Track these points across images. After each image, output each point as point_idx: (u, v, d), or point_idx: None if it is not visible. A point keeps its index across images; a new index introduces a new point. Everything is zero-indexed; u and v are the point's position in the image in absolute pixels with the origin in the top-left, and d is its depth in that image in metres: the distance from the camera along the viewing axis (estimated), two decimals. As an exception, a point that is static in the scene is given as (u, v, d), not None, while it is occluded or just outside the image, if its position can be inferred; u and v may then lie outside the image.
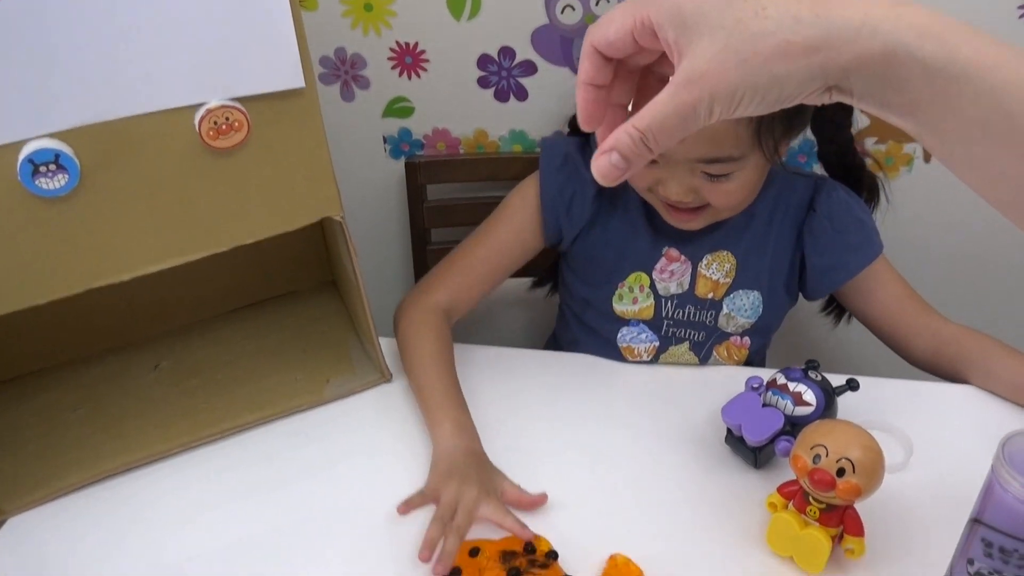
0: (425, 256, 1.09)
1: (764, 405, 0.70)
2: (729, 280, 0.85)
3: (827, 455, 0.60)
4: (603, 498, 0.71)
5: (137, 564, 0.68)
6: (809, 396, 0.69)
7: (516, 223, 0.88)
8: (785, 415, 0.69)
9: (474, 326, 1.19)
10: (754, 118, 0.71)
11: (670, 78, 0.38)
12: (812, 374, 0.70)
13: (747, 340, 0.88)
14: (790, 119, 0.76)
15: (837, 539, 0.63)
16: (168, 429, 0.79)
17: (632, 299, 0.87)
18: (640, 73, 0.44)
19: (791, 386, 0.70)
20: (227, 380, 0.85)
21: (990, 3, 0.90)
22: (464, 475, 0.69)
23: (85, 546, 0.69)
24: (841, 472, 0.59)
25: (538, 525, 0.67)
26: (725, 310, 0.86)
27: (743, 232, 0.85)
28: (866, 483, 0.60)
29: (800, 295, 0.92)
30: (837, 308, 0.94)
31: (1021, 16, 0.90)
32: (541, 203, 0.87)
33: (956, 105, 0.35)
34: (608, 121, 0.43)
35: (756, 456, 0.70)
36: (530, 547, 0.65)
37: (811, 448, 0.61)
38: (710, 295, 0.86)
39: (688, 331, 0.88)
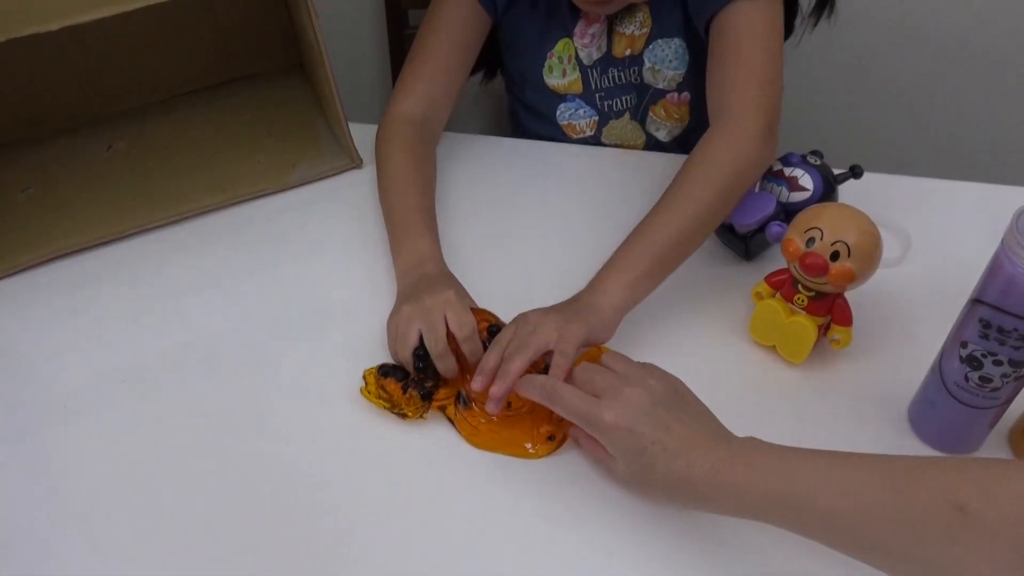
0: (402, 41, 1.01)
1: (759, 192, 0.65)
2: (645, 31, 0.78)
3: (822, 238, 0.56)
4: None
5: (86, 346, 0.65)
6: (806, 181, 0.64)
7: (463, 23, 0.80)
8: (779, 201, 0.64)
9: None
10: None
11: None
12: (811, 158, 0.65)
13: (686, 96, 0.83)
14: None
15: (823, 329, 0.60)
16: (122, 211, 0.74)
17: (561, 71, 0.82)
18: None
19: (787, 171, 0.64)
20: (186, 163, 0.80)
21: None
22: (418, 297, 0.62)
23: (34, 325, 0.67)
24: (835, 256, 0.55)
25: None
26: (647, 64, 0.80)
27: None
28: (860, 268, 0.55)
29: None
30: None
31: None
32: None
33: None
34: None
35: (747, 245, 0.66)
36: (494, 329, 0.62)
37: (805, 232, 0.56)
38: (627, 51, 0.80)
39: (621, 98, 0.84)
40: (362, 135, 0.79)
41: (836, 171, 0.66)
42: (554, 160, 0.82)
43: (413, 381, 0.60)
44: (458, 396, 0.60)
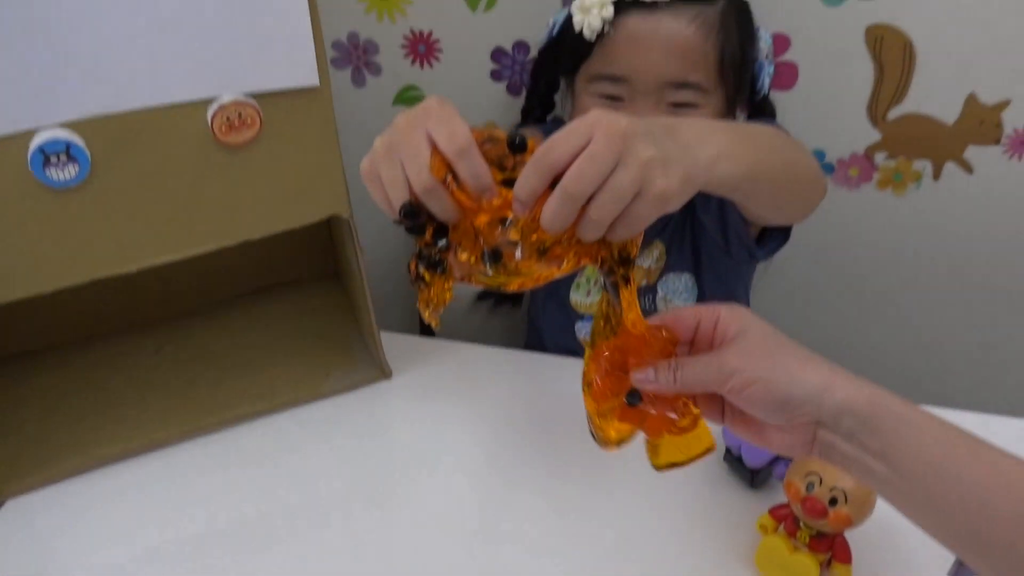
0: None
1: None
2: (660, 265, 0.87)
3: (820, 484, 0.61)
4: (590, 505, 0.72)
5: (133, 550, 0.68)
6: (806, 420, 0.69)
7: None
8: (782, 437, 0.69)
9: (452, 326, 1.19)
10: (719, 46, 0.75)
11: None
12: (811, 397, 0.71)
13: None
14: (742, 71, 0.79)
15: (825, 565, 0.64)
16: (167, 417, 0.79)
17: (587, 291, 0.90)
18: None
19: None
20: (228, 368, 0.85)
21: (1005, 25, 0.90)
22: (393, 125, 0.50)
23: (82, 530, 0.70)
24: (833, 501, 0.60)
25: (523, 540, 0.68)
26: (660, 293, 0.89)
27: (667, 221, 0.87)
28: (857, 514, 0.60)
29: (751, 264, 0.93)
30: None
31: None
32: None
33: (916, 448, 0.45)
34: None
35: (753, 477, 0.71)
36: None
37: (805, 476, 0.62)
38: (644, 281, 0.89)
39: None
40: (394, 346, 0.85)
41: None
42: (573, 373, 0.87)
43: (418, 255, 0.47)
44: (482, 255, 0.47)
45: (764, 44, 0.81)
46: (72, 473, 0.75)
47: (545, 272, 0.48)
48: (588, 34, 0.76)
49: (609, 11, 0.74)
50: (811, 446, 0.49)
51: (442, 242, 0.47)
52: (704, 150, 0.50)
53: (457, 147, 0.45)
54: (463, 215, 0.47)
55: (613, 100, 0.78)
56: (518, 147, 0.47)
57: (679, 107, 0.77)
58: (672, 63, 0.74)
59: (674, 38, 0.74)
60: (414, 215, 0.46)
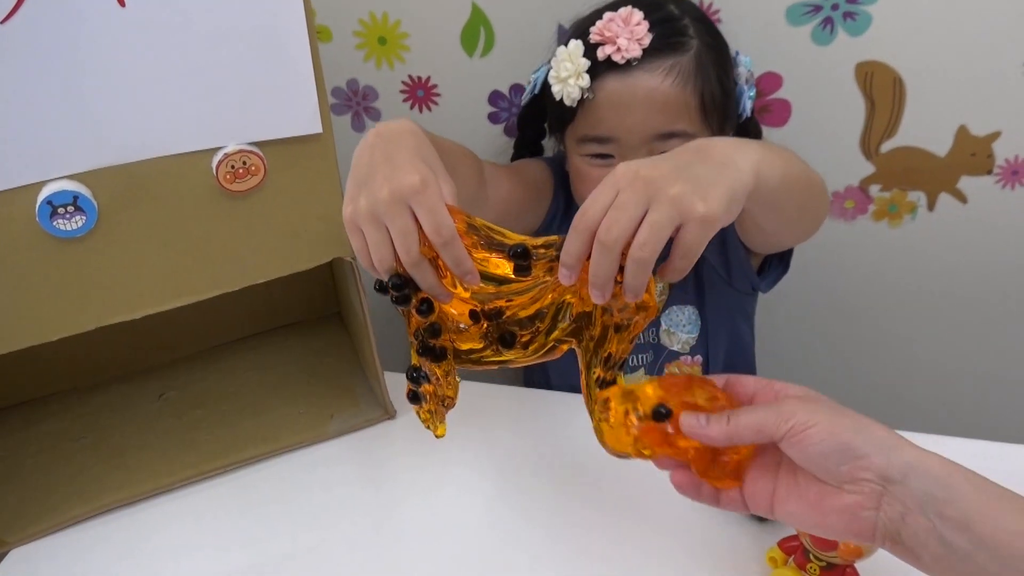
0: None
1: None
2: (663, 298, 0.88)
3: (829, 516, 0.61)
4: (598, 540, 0.71)
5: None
6: (812, 452, 0.70)
7: (536, 177, 0.90)
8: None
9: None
10: (699, 91, 0.76)
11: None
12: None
13: (699, 358, 0.90)
14: (726, 104, 0.80)
15: (837, 598, 0.64)
16: (171, 462, 0.79)
17: None
18: None
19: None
20: (232, 412, 0.85)
21: (994, 58, 0.92)
22: (372, 181, 0.52)
23: (87, 580, 0.70)
24: (843, 533, 0.60)
25: None
26: (664, 326, 0.89)
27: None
28: (867, 545, 0.60)
29: (754, 295, 0.94)
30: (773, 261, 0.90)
31: (1026, 73, 0.92)
32: (552, 194, 0.91)
33: (1000, 517, 0.41)
34: None
35: (758, 510, 0.71)
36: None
37: (814, 508, 0.62)
38: None
39: (638, 355, 0.91)
40: (397, 386, 0.85)
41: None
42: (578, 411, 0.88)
43: (408, 375, 0.52)
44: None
45: (743, 69, 0.83)
46: (77, 521, 0.74)
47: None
48: (569, 102, 0.78)
49: (585, 79, 0.76)
50: (875, 521, 0.44)
51: (429, 313, 0.51)
52: (744, 158, 0.51)
53: (443, 240, 0.49)
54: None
55: (604, 158, 0.80)
56: (520, 255, 0.51)
57: None
58: (655, 118, 0.76)
59: (653, 94, 0.75)
60: (402, 286, 0.50)
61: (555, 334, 0.54)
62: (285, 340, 0.96)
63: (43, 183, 0.60)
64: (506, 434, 0.83)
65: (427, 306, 0.52)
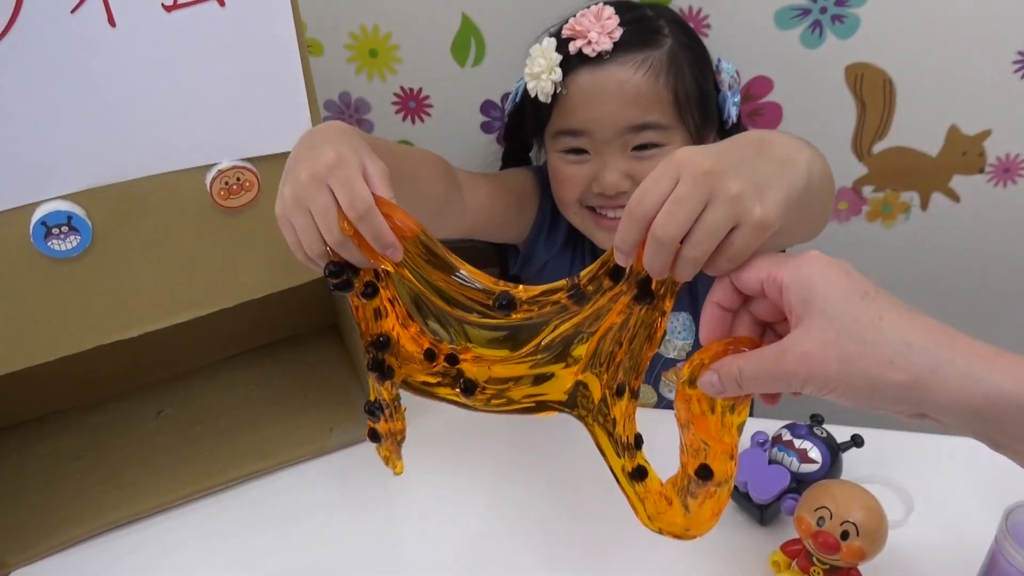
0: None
1: (770, 462, 0.71)
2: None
3: (831, 517, 0.61)
4: (599, 544, 0.71)
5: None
6: (815, 453, 0.70)
7: (521, 184, 0.90)
8: (791, 472, 0.70)
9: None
10: (672, 87, 0.77)
11: (783, 337, 0.45)
12: (817, 430, 0.71)
13: None
14: (704, 105, 0.80)
15: (841, 600, 0.64)
16: (171, 479, 0.79)
17: None
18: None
19: (796, 443, 0.71)
20: (231, 427, 0.85)
21: (982, 56, 0.92)
22: (296, 168, 0.52)
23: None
24: (845, 535, 0.60)
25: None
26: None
27: None
28: (870, 546, 0.60)
29: None
30: None
31: (1016, 71, 0.92)
32: (539, 203, 0.91)
33: None
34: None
35: (762, 513, 0.71)
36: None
37: (815, 510, 0.62)
38: None
39: None
40: (395, 399, 0.85)
41: (840, 440, 0.72)
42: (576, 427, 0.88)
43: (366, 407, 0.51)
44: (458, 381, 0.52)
45: (726, 75, 0.83)
46: (78, 540, 0.74)
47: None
48: (543, 98, 0.80)
49: (558, 73, 0.78)
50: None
51: (374, 296, 0.49)
52: (802, 156, 0.50)
53: (358, 214, 0.48)
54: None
55: (578, 154, 0.81)
56: (505, 307, 0.50)
57: (644, 148, 0.79)
58: (626, 110, 0.77)
59: (624, 85, 0.76)
60: (339, 272, 0.49)
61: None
62: (282, 354, 0.96)
63: (37, 204, 0.60)
64: (505, 448, 0.83)
65: (372, 289, 0.50)
